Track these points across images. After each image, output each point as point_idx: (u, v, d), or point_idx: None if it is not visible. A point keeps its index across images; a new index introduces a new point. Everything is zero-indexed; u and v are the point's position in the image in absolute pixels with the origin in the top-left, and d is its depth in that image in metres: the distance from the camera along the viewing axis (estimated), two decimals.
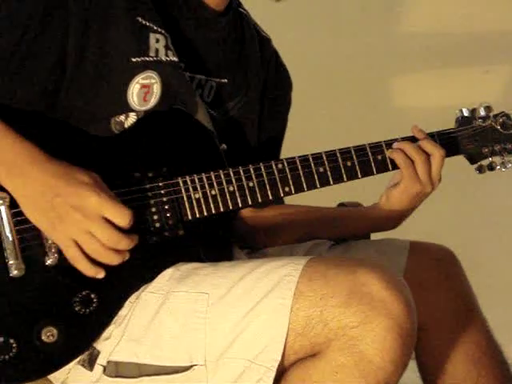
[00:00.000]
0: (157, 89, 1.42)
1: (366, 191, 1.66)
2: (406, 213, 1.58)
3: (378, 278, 1.23)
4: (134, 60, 1.40)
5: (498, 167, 1.63)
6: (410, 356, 1.23)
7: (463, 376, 1.55)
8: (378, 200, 1.60)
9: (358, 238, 1.65)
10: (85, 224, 1.26)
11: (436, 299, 1.56)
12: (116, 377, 1.32)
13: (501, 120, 1.62)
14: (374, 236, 1.68)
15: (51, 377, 1.38)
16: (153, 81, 1.42)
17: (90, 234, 1.27)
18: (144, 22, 1.41)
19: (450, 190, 1.73)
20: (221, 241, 1.50)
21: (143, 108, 1.41)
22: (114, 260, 1.29)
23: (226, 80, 1.57)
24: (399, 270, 1.55)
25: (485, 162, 1.63)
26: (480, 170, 1.63)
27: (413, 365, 1.55)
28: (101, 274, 1.30)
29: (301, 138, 1.73)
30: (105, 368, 1.33)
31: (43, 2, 1.34)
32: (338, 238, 1.65)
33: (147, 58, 1.41)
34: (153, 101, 1.42)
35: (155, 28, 1.42)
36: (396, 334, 1.20)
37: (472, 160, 1.63)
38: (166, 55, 1.43)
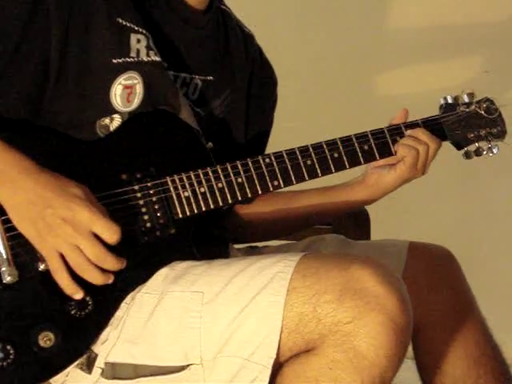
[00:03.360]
0: (139, 89, 1.42)
1: None
2: (389, 193, 1.60)
3: (372, 274, 1.23)
4: (115, 61, 1.40)
5: (485, 152, 1.64)
6: (405, 351, 1.23)
7: (462, 376, 1.56)
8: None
9: (356, 236, 1.67)
10: (73, 237, 1.26)
11: (435, 299, 1.58)
12: (113, 379, 1.33)
13: (484, 105, 1.63)
14: (374, 236, 1.68)
15: (51, 379, 1.39)
16: (135, 81, 1.42)
17: (77, 248, 1.27)
18: (124, 23, 1.41)
19: (449, 191, 1.75)
20: (215, 238, 1.51)
21: (127, 109, 1.41)
22: (96, 278, 1.28)
23: (211, 77, 1.57)
24: (398, 270, 1.56)
25: (471, 148, 1.64)
26: (467, 155, 1.64)
27: (412, 365, 1.57)
28: (79, 295, 1.29)
29: (289, 132, 1.74)
30: (103, 370, 1.34)
31: (25, 9, 1.33)
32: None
33: (128, 59, 1.41)
34: (136, 101, 1.42)
35: (136, 28, 1.42)
36: (390, 329, 1.20)
37: (458, 146, 1.64)
38: (148, 55, 1.43)
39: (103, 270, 1.29)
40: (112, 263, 1.28)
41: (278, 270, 1.27)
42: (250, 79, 1.65)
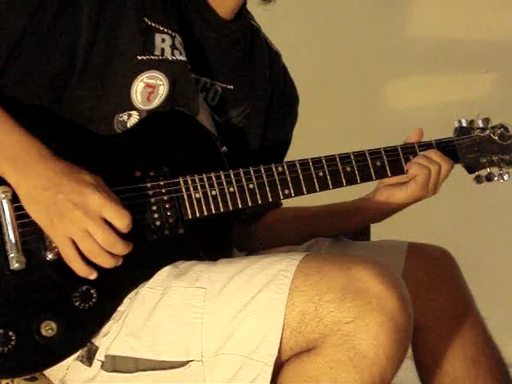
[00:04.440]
0: (162, 90, 1.44)
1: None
2: (399, 211, 1.61)
3: (373, 274, 1.24)
4: (139, 58, 1.42)
5: (496, 178, 1.65)
6: (405, 351, 1.24)
7: (462, 376, 1.56)
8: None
9: (356, 237, 1.67)
10: (84, 222, 1.27)
11: (434, 300, 1.58)
12: (113, 372, 1.33)
13: (499, 131, 1.65)
14: (373, 237, 1.69)
15: (50, 374, 1.40)
16: (159, 82, 1.43)
17: (88, 233, 1.28)
18: (150, 23, 1.43)
19: (448, 191, 1.74)
20: (221, 241, 1.52)
21: (146, 107, 1.43)
22: (107, 262, 1.30)
23: (231, 86, 1.59)
24: (397, 271, 1.53)
25: (483, 173, 1.65)
26: (478, 180, 1.65)
27: (411, 365, 1.56)
28: (93, 275, 1.30)
29: (300, 141, 1.75)
30: (103, 363, 1.34)
31: None
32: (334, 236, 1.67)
33: (152, 57, 1.42)
34: (156, 101, 1.44)
35: (161, 29, 1.44)
36: (390, 329, 1.21)
37: (470, 170, 1.65)
38: (172, 54, 1.45)
39: (113, 254, 1.30)
40: (121, 248, 1.29)
41: (280, 268, 1.28)
42: (271, 96, 1.67)
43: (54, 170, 1.29)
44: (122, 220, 1.28)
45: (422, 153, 1.58)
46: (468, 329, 1.57)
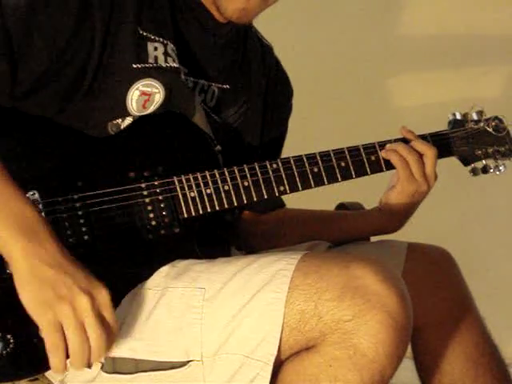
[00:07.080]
0: (158, 98, 1.44)
1: (367, 190, 1.67)
2: (406, 214, 1.60)
3: (373, 272, 1.23)
4: (134, 66, 1.42)
5: (492, 170, 1.65)
6: (405, 349, 1.24)
7: (461, 375, 1.57)
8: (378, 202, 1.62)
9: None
10: (85, 314, 1.19)
11: (433, 300, 1.58)
12: (113, 373, 1.33)
13: (493, 123, 1.65)
14: (373, 238, 1.69)
15: (50, 375, 1.40)
16: (155, 90, 1.44)
17: (82, 327, 1.19)
18: (142, 33, 1.44)
19: (447, 192, 1.76)
20: (218, 239, 1.52)
21: (141, 114, 1.44)
22: (80, 363, 1.20)
23: (227, 86, 1.59)
24: (397, 271, 1.54)
25: (478, 165, 1.65)
26: (474, 172, 1.66)
27: (411, 364, 1.57)
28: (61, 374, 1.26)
29: (298, 138, 1.75)
30: (102, 365, 1.33)
31: (72, 21, 1.35)
32: (339, 242, 1.66)
33: (147, 65, 1.43)
34: (152, 108, 1.44)
35: (153, 37, 1.45)
36: (390, 327, 1.21)
37: (465, 162, 1.65)
38: (166, 61, 1.45)
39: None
40: (100, 352, 1.21)
41: (279, 267, 1.28)
42: (266, 90, 1.67)
43: (57, 247, 1.21)
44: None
45: (389, 146, 1.56)
46: (468, 329, 1.58)
